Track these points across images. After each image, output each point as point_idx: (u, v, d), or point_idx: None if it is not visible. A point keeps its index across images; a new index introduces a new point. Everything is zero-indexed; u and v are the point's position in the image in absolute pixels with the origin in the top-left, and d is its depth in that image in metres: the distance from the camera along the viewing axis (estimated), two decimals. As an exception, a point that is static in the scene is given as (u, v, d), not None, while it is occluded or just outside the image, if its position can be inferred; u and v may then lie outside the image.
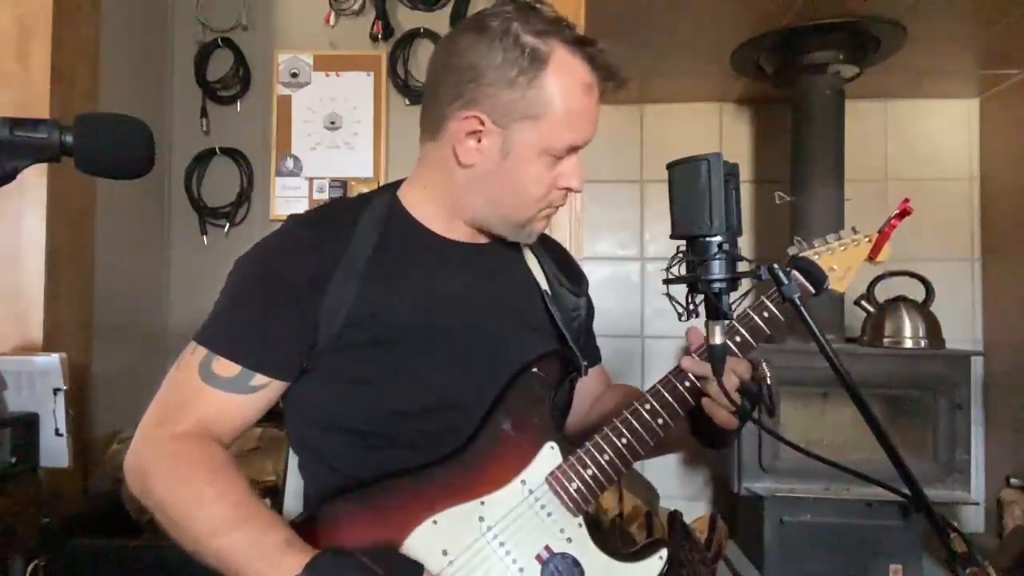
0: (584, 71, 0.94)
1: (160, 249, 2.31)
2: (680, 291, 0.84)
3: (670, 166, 0.83)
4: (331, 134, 2.26)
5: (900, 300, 2.90)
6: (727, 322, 0.85)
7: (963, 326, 3.37)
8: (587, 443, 0.96)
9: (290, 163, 2.26)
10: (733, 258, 0.80)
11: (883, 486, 0.84)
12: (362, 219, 1.00)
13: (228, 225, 2.29)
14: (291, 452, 1.07)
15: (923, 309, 2.88)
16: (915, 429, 2.80)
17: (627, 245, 3.64)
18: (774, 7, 2.62)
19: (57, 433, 1.48)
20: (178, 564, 0.86)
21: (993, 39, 2.78)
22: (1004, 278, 3.31)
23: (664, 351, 3.52)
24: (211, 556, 0.83)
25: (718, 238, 0.79)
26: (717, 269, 0.80)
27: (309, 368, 0.96)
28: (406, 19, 2.28)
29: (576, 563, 0.92)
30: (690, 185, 0.80)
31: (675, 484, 3.51)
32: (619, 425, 0.96)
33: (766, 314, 0.98)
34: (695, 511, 3.11)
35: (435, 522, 0.90)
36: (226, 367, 0.92)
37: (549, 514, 0.93)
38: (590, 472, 0.95)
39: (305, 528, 0.88)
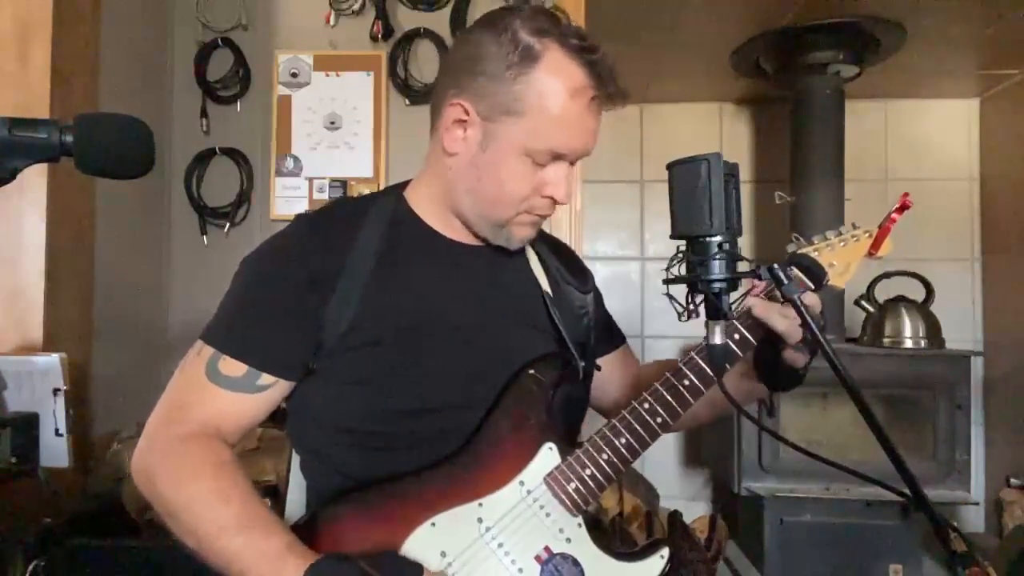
0: (577, 75, 0.91)
1: (160, 249, 2.31)
2: (680, 291, 0.84)
3: (670, 166, 0.83)
4: (331, 134, 2.26)
5: (900, 300, 2.90)
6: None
7: (963, 326, 3.36)
8: (585, 443, 0.96)
9: (290, 163, 2.26)
10: (733, 258, 0.80)
11: (883, 486, 0.84)
12: (368, 219, 1.00)
13: (228, 225, 2.28)
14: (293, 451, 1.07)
15: (923, 309, 2.88)
16: (915, 429, 2.80)
17: (627, 245, 3.64)
18: (774, 7, 2.62)
19: (57, 433, 1.48)
20: (178, 564, 0.86)
21: (993, 39, 2.77)
22: (1004, 278, 3.31)
23: (664, 351, 3.52)
24: (214, 557, 0.84)
25: (718, 238, 0.79)
26: (717, 269, 0.80)
27: (316, 368, 0.96)
28: (406, 19, 2.28)
29: (576, 563, 0.92)
30: (690, 185, 0.80)
31: (675, 484, 3.51)
32: (617, 424, 0.96)
33: None
34: (695, 511, 3.11)
35: (434, 524, 0.90)
36: (233, 367, 0.92)
37: (548, 515, 0.93)
38: (589, 472, 0.94)
39: (305, 531, 0.88)
